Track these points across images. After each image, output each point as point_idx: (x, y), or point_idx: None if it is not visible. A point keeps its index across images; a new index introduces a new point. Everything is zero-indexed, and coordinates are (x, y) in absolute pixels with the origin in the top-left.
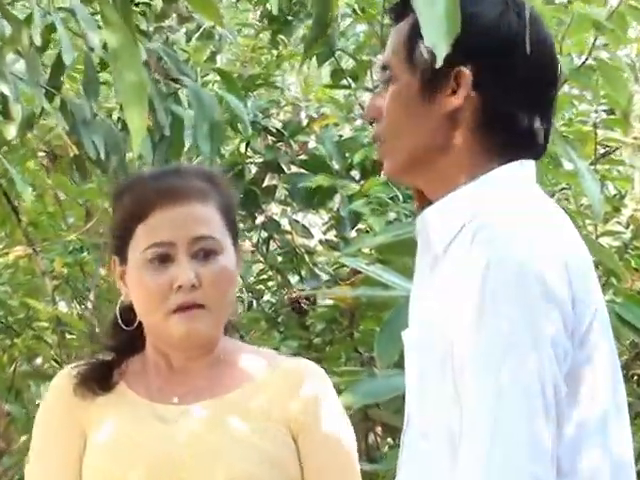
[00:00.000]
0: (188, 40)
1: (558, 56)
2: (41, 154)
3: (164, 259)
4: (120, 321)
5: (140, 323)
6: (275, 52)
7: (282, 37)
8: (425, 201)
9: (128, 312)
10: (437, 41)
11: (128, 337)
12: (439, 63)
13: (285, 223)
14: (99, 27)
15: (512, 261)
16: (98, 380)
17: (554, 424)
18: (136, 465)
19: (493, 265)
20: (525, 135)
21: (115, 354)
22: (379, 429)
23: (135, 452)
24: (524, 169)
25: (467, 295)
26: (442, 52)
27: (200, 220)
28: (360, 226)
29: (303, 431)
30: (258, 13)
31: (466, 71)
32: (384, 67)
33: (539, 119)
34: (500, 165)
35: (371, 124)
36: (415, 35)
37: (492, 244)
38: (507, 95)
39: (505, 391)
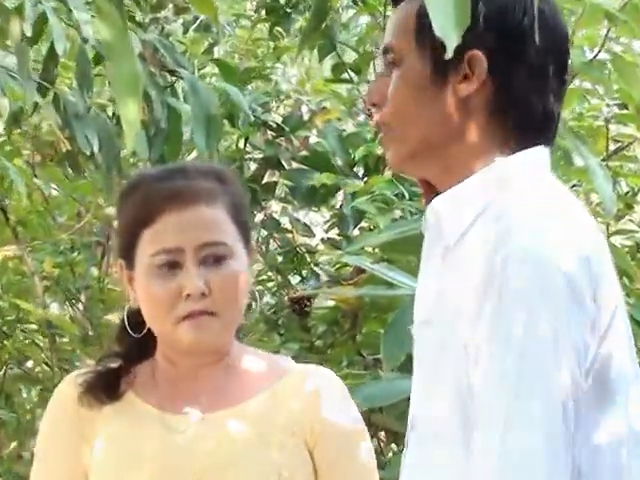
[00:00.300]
0: (185, 32)
1: (569, 48)
2: (27, 152)
3: (172, 265)
4: (128, 327)
5: (149, 329)
6: (272, 44)
7: (280, 29)
8: (433, 193)
9: (136, 317)
10: (447, 32)
11: (136, 343)
12: (449, 54)
13: (285, 221)
14: (93, 17)
15: (533, 253)
16: (105, 389)
17: (572, 425)
18: (143, 475)
19: (512, 258)
20: (539, 121)
21: (123, 361)
22: (382, 435)
23: (143, 462)
24: (539, 155)
25: (484, 287)
26: (453, 43)
27: (208, 224)
28: (363, 224)
29: (318, 441)
30: (255, 3)
31: (481, 55)
32: (386, 50)
33: (551, 105)
34: (515, 152)
35: (370, 116)
36: (424, 17)
37: (510, 236)
38: (520, 80)
39: (521, 390)
